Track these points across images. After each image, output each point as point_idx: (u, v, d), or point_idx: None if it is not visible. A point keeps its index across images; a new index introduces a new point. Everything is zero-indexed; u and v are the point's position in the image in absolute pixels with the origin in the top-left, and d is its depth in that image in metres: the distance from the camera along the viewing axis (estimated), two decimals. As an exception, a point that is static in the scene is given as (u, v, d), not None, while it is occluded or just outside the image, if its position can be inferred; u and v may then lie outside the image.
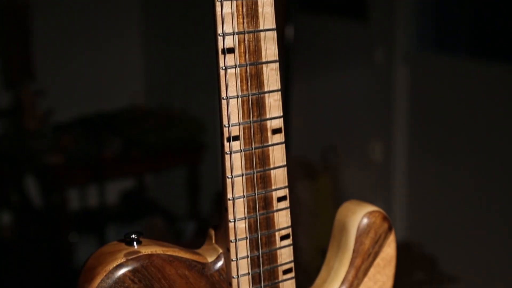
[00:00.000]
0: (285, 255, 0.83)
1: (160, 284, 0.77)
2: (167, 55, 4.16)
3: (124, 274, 0.75)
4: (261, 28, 0.77)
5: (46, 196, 3.65)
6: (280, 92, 0.79)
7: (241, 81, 0.76)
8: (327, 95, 3.37)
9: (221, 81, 0.76)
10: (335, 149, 3.29)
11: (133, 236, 0.77)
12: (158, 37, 4.22)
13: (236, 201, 0.78)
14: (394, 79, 2.98)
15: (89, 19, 4.10)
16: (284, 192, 0.82)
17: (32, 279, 3.40)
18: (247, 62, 0.76)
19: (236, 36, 0.75)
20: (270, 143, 0.79)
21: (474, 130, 2.75)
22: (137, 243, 0.77)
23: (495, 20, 2.84)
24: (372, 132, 3.14)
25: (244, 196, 0.79)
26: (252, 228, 0.80)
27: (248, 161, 0.78)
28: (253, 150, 0.79)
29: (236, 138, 0.77)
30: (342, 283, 0.88)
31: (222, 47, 0.75)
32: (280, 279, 0.83)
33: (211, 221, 3.39)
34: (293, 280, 0.84)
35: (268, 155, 0.80)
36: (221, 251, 0.81)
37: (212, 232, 0.83)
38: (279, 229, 0.82)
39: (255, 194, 0.80)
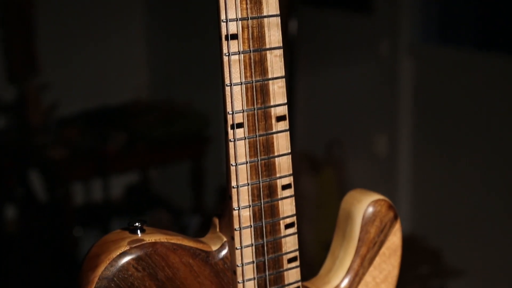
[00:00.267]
0: (290, 243, 0.82)
1: (164, 272, 0.76)
2: (171, 48, 4.15)
3: (128, 262, 0.74)
4: (265, 14, 0.76)
5: (50, 190, 3.65)
6: (284, 79, 0.79)
7: (245, 68, 0.76)
8: (331, 88, 3.36)
9: (225, 68, 0.75)
10: (340, 143, 3.28)
11: (137, 224, 0.77)
12: (162, 31, 4.21)
13: (241, 189, 0.78)
14: (398, 71, 2.97)
15: (93, 13, 4.09)
16: (289, 180, 0.81)
17: (37, 273, 3.40)
18: (251, 49, 0.76)
19: (240, 22, 0.74)
20: (274, 130, 0.79)
21: (480, 122, 2.74)
22: (140, 231, 0.77)
23: (500, 11, 2.82)
24: (377, 125, 3.13)
25: (248, 184, 0.78)
26: (256, 216, 0.79)
27: (252, 149, 0.78)
28: (257, 138, 0.78)
29: (240, 125, 0.77)
30: (348, 272, 0.87)
31: (226, 33, 0.74)
32: (285, 267, 0.82)
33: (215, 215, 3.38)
34: (298, 269, 0.83)
35: (273, 143, 0.79)
36: (225, 239, 0.80)
37: (216, 221, 0.83)
38: (284, 218, 0.81)
39: (260, 182, 0.79)
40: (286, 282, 0.83)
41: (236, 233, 0.79)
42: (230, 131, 0.76)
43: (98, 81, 4.10)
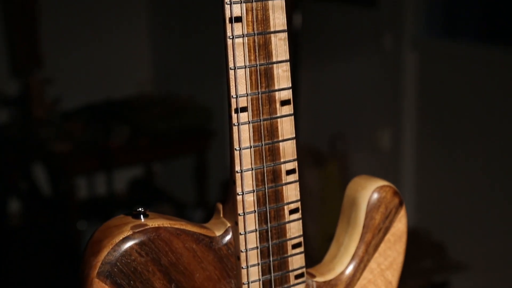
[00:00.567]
0: (294, 229, 0.82)
1: (167, 257, 0.76)
2: (175, 42, 4.15)
3: (131, 247, 0.74)
4: (269, -4, 0.75)
5: (54, 184, 3.65)
6: (288, 63, 0.78)
7: (249, 51, 0.75)
8: (335, 82, 3.35)
9: (229, 51, 0.74)
10: (343, 137, 3.27)
11: (140, 209, 0.76)
12: (166, 24, 4.21)
13: (244, 173, 0.77)
14: (402, 65, 2.96)
15: (97, 7, 4.09)
16: (293, 165, 0.80)
17: (41, 266, 3.41)
18: (255, 32, 0.75)
19: (244, 4, 0.74)
20: (278, 114, 0.78)
21: (483, 116, 2.72)
22: (144, 217, 0.76)
23: (503, 5, 2.81)
24: (380, 119, 3.12)
25: (252, 169, 0.78)
26: (260, 201, 0.79)
27: (256, 133, 0.77)
28: (261, 122, 0.77)
29: (244, 109, 0.76)
30: (352, 258, 0.86)
31: (230, 16, 0.73)
32: (289, 253, 0.82)
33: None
34: (303, 255, 0.83)
35: (277, 127, 0.78)
36: (229, 225, 0.79)
37: (220, 206, 0.82)
38: (288, 203, 0.81)
39: (264, 167, 0.78)
40: (290, 268, 0.82)
41: (240, 218, 0.78)
42: (234, 115, 0.76)
43: (101, 75, 4.09)
